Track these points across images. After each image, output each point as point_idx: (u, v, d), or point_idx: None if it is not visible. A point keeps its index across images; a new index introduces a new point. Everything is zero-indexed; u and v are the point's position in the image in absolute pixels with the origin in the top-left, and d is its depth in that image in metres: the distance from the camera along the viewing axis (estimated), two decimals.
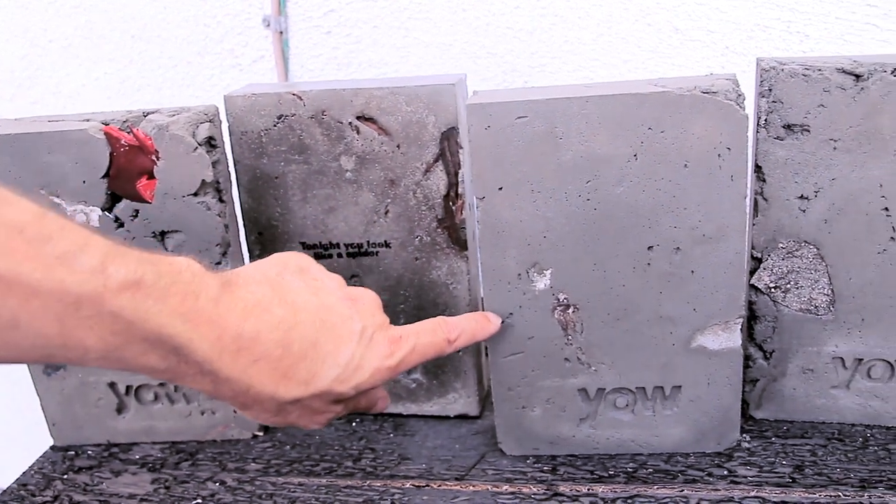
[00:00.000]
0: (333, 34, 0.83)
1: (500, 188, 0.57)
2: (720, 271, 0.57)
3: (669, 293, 0.58)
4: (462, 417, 0.70)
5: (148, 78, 0.89)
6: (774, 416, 0.66)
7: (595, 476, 0.61)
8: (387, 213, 0.64)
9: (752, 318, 0.63)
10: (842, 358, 0.62)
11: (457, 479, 0.62)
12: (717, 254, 0.57)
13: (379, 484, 0.63)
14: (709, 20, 0.76)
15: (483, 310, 0.62)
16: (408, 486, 0.62)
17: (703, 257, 0.57)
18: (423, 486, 0.62)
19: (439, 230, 0.64)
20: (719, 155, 0.55)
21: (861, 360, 0.62)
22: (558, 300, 0.59)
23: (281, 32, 0.83)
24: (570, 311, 0.60)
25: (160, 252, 0.40)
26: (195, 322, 0.39)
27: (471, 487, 0.61)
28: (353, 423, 0.71)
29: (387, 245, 0.65)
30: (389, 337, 0.49)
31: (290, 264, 0.49)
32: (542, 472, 0.63)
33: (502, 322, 0.59)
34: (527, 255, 0.58)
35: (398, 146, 0.62)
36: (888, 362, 0.62)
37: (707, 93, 0.54)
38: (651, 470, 0.62)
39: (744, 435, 0.65)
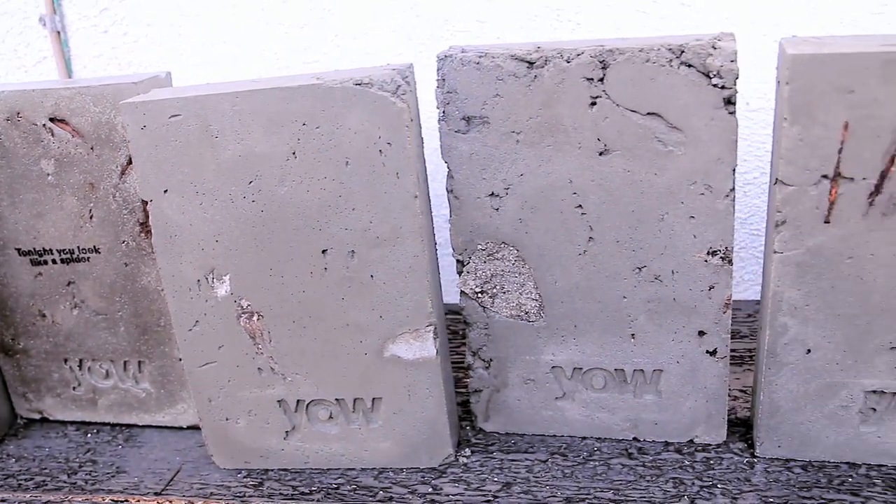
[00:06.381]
0: (111, 33, 0.81)
1: (166, 190, 0.54)
2: (401, 276, 0.54)
3: (352, 299, 0.55)
4: (195, 428, 0.67)
5: None
6: (504, 428, 0.62)
7: (296, 492, 0.58)
8: (91, 217, 0.61)
9: (465, 324, 0.59)
10: (561, 367, 0.58)
11: (156, 493, 0.60)
12: (394, 257, 0.53)
13: (80, 499, 0.60)
14: (479, 10, 0.72)
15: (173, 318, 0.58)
16: (107, 500, 0.59)
17: (380, 261, 0.53)
18: (122, 502, 0.59)
19: (143, 235, 0.61)
20: (381, 151, 0.51)
21: (580, 368, 0.58)
22: (242, 307, 0.56)
23: (59, 32, 0.81)
24: (255, 318, 0.56)
25: None
26: None
27: (167, 502, 0.58)
28: (89, 435, 0.69)
29: (96, 251, 0.62)
30: None
31: None
32: (247, 486, 0.59)
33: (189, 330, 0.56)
34: (202, 261, 0.55)
35: (92, 148, 0.59)
36: (608, 371, 0.57)
37: (360, 84, 0.50)
38: (355, 487, 0.58)
39: (466, 449, 0.61)
